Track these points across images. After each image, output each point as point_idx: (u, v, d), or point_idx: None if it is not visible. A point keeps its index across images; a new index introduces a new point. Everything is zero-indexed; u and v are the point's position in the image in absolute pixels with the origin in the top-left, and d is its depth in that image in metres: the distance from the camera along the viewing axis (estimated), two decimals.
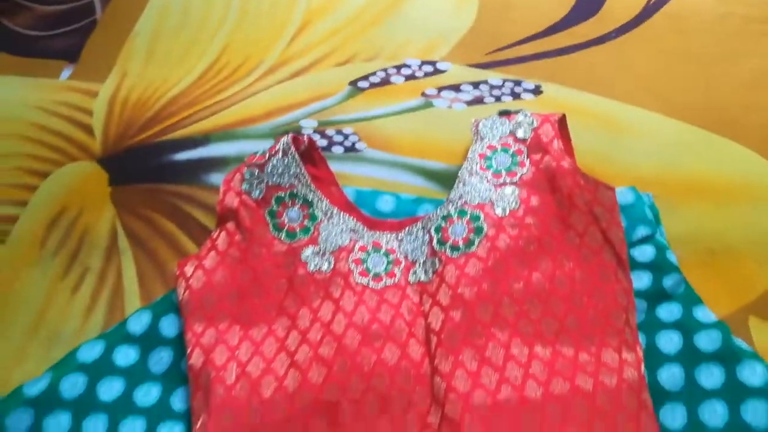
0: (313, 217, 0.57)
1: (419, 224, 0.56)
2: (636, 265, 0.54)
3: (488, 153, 0.57)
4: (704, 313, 0.52)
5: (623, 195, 0.56)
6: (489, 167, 0.57)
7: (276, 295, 0.53)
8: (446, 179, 0.62)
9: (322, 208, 0.57)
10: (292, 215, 0.57)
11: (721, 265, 0.57)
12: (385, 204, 0.60)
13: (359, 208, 0.60)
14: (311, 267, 0.55)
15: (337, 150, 0.65)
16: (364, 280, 0.54)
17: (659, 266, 0.53)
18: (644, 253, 0.54)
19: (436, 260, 0.53)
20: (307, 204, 0.57)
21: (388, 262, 0.55)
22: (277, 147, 0.58)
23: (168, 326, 0.54)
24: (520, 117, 0.58)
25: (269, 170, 0.58)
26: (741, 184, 0.61)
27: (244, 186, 0.57)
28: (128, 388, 0.51)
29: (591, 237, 0.53)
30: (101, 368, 0.52)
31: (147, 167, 0.65)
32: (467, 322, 0.50)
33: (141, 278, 0.59)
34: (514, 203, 0.54)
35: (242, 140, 0.66)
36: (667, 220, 0.58)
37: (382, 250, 0.56)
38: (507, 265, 0.52)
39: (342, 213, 0.57)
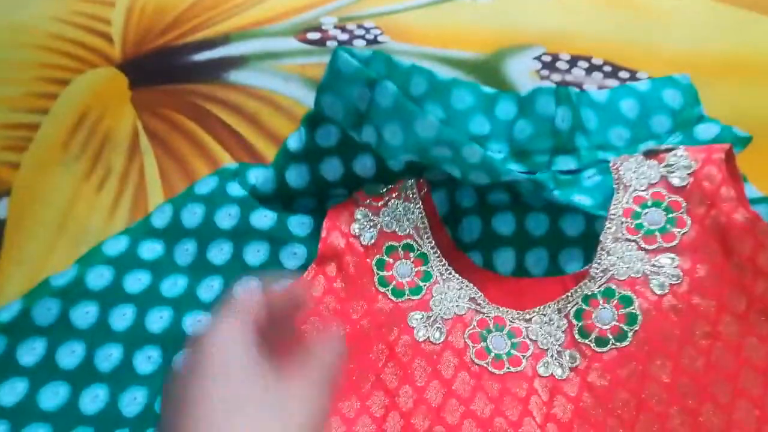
0: (426, 276, 0.48)
1: (554, 305, 0.46)
2: None
3: (636, 208, 0.46)
4: (750, 190, 0.49)
5: (635, 87, 0.52)
6: (639, 228, 0.46)
7: (374, 362, 0.45)
8: (471, 68, 0.60)
9: (439, 268, 0.48)
10: (403, 270, 0.48)
11: (762, 143, 0.53)
12: (417, 87, 0.54)
13: (479, 268, 0.51)
14: (419, 335, 0.46)
15: (359, 43, 0.63)
16: (482, 362, 0.45)
17: None
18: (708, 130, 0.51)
19: (577, 354, 0.44)
20: (422, 259, 0.49)
21: (513, 346, 0.46)
22: (399, 188, 0.51)
23: (189, 217, 0.52)
24: (672, 157, 0.46)
25: (385, 213, 0.50)
26: None
27: (354, 227, 0.50)
28: (154, 280, 0.51)
29: None
30: (127, 261, 0.51)
31: (166, 69, 0.64)
32: None
33: (163, 175, 0.58)
34: (674, 277, 0.43)
35: (262, 38, 0.65)
36: (702, 100, 0.54)
37: (506, 329, 0.46)
38: (673, 367, 0.41)
39: (461, 278, 0.48)
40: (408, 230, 0.49)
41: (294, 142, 0.53)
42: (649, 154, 0.48)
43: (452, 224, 0.53)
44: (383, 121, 0.50)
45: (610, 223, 0.46)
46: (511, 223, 0.52)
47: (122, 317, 0.49)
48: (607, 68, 0.59)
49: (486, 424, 0.42)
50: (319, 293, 0.48)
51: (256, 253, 0.51)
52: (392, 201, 0.50)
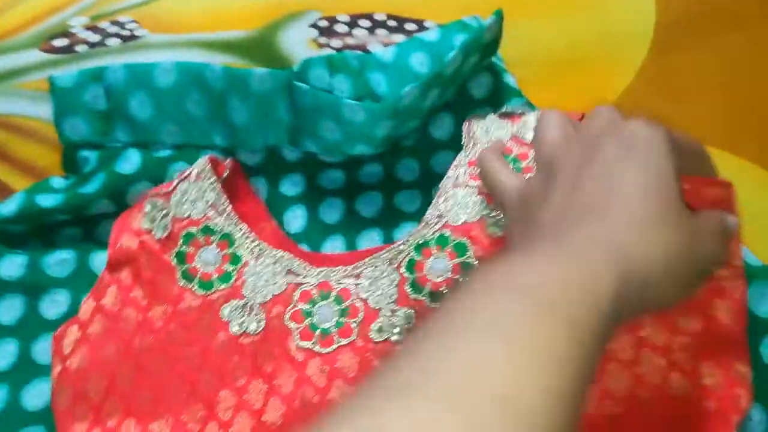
0: (235, 259, 0.43)
1: (384, 255, 0.42)
2: (473, 103, 0.48)
3: None
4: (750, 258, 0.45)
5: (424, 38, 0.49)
6: None
7: (187, 372, 0.41)
8: (243, 48, 0.54)
9: (248, 246, 0.43)
10: (207, 257, 0.43)
11: (568, 76, 0.52)
12: (165, 75, 0.47)
13: (297, 244, 0.46)
14: (234, 328, 0.41)
15: (114, 42, 0.54)
16: (308, 344, 0.41)
17: (497, 95, 0.48)
18: (480, 85, 0.48)
19: (411, 312, 0.40)
20: (227, 240, 0.43)
21: (341, 313, 0.41)
22: (189, 170, 0.45)
23: None
24: (528, 117, 0.44)
25: (177, 199, 0.44)
26: None
27: (144, 223, 0.44)
28: None
29: None
30: None
31: None
32: None
33: None
34: None
35: (3, 55, 0.54)
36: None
37: (333, 295, 0.42)
38: None
39: (274, 249, 0.43)
40: (204, 211, 0.44)
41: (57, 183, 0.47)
42: (505, 116, 0.45)
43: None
44: (131, 93, 0.47)
45: (453, 171, 0.43)
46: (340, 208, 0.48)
47: None
48: (392, 23, 0.54)
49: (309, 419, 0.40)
50: (115, 307, 0.42)
51: (8, 311, 0.44)
52: (182, 184, 0.45)
